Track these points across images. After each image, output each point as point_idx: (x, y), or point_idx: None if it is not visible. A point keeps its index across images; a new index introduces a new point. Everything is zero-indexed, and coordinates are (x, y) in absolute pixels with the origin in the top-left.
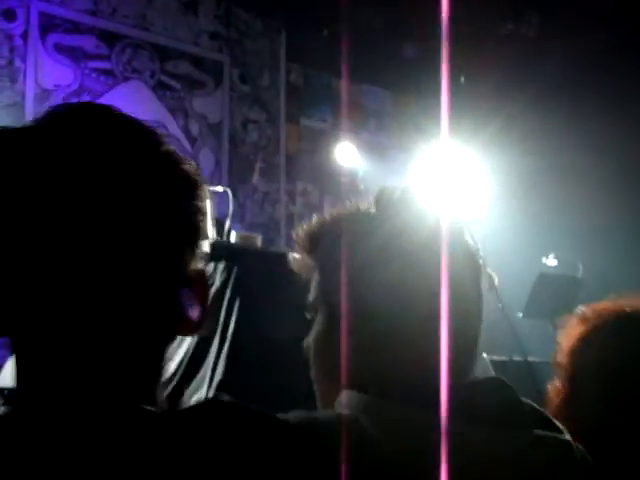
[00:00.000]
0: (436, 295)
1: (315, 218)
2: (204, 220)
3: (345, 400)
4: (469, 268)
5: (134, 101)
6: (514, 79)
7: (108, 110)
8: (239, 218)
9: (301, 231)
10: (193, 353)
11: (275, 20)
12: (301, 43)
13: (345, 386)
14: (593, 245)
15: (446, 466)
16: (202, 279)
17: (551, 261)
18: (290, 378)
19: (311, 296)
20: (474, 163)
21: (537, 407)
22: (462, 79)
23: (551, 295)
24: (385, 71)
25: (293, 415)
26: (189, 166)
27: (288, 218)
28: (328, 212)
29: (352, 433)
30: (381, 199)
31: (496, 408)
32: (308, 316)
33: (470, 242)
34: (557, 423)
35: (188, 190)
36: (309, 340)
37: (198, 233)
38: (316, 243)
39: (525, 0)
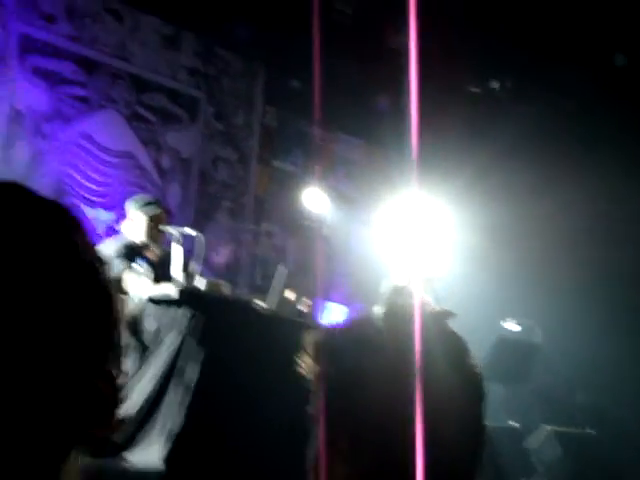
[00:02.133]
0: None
1: (323, 327)
2: (110, 329)
3: None
4: (470, 394)
5: (107, 130)
6: (482, 135)
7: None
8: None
9: (309, 337)
10: (150, 399)
11: (255, 61)
12: (278, 86)
13: None
14: (553, 308)
15: None
16: (108, 392)
17: (511, 325)
18: (257, 427)
19: (311, 406)
20: (440, 217)
21: None
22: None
23: (509, 360)
24: (358, 121)
25: None
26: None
27: (251, 259)
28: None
29: None
30: (389, 313)
31: None
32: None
33: (474, 366)
34: None
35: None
36: (310, 454)
37: (104, 345)
38: (323, 352)
39: (498, 64)
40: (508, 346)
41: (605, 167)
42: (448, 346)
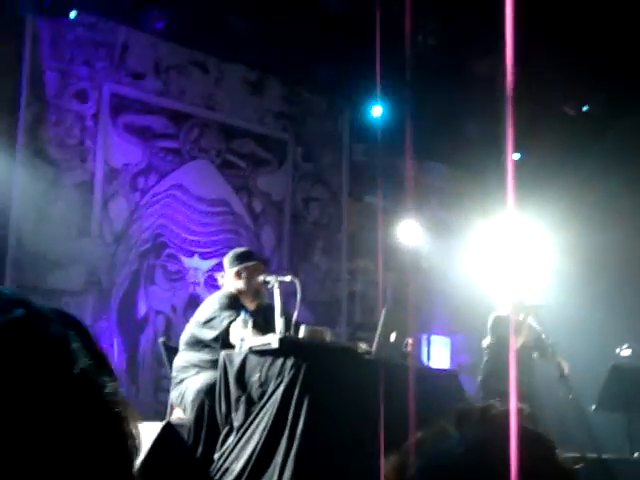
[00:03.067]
0: None
1: (401, 449)
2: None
3: None
4: None
5: (200, 179)
6: (578, 157)
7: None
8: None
9: (389, 464)
10: (260, 453)
11: (339, 100)
12: (364, 122)
13: None
14: None
15: None
16: None
17: (625, 351)
18: (364, 473)
19: None
20: (540, 242)
21: None
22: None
23: (626, 387)
24: (447, 148)
25: None
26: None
27: (350, 296)
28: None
29: None
30: (462, 419)
31: None
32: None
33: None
34: None
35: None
36: None
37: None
38: (402, 475)
39: (591, 81)
40: (624, 374)
41: None
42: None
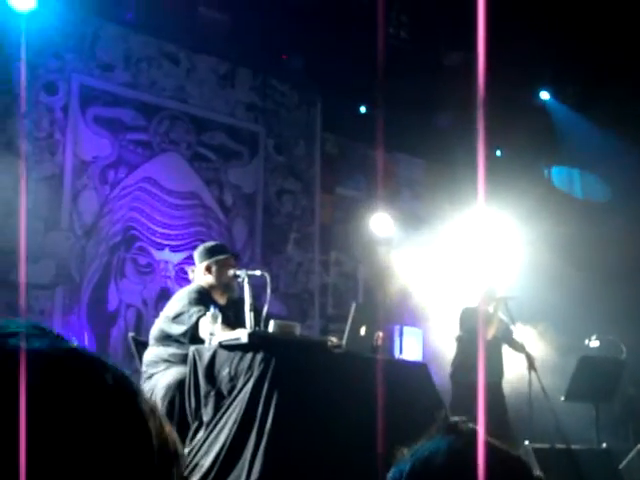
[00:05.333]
0: None
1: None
2: None
3: None
4: None
5: (170, 172)
6: (550, 146)
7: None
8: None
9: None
10: (229, 448)
11: (311, 92)
12: (337, 114)
13: None
14: (636, 324)
15: None
16: None
17: (593, 342)
18: (335, 467)
19: None
20: (510, 234)
21: None
22: (498, 152)
23: (594, 378)
24: (419, 141)
25: None
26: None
27: (322, 288)
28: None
29: None
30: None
31: None
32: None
33: None
34: None
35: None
36: None
37: None
38: None
39: (563, 70)
40: (592, 365)
41: None
42: None
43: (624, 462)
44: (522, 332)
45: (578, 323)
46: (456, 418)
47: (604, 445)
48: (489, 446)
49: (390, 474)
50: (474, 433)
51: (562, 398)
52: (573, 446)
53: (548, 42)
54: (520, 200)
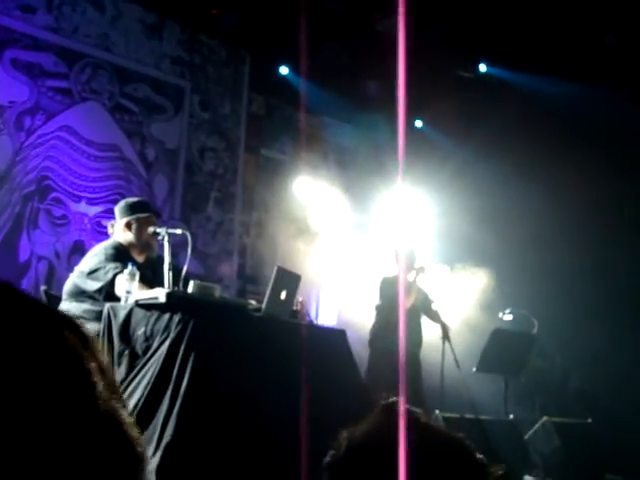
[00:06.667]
0: None
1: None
2: None
3: None
4: None
5: (90, 122)
6: (475, 120)
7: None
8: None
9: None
10: (141, 409)
11: (240, 49)
12: (265, 74)
13: None
14: (549, 298)
15: None
16: None
17: (507, 316)
18: (250, 432)
19: None
20: (429, 204)
21: None
22: (419, 123)
23: (504, 351)
24: (347, 106)
25: None
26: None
27: (241, 249)
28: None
29: None
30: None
31: None
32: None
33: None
34: None
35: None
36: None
37: None
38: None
39: (489, 48)
40: (504, 338)
41: (595, 154)
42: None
43: (529, 433)
44: (438, 302)
45: (495, 296)
46: (393, 398)
47: (511, 416)
48: (427, 428)
49: (327, 458)
50: (411, 414)
51: (473, 369)
52: (482, 416)
53: (482, 17)
54: (442, 169)
